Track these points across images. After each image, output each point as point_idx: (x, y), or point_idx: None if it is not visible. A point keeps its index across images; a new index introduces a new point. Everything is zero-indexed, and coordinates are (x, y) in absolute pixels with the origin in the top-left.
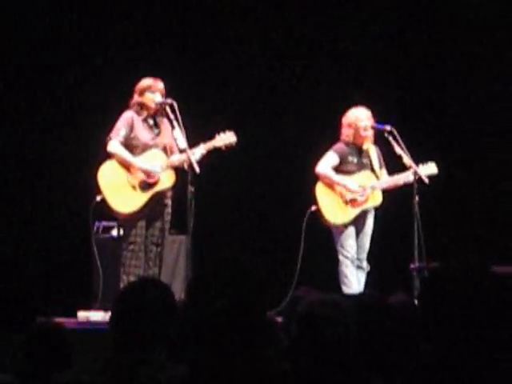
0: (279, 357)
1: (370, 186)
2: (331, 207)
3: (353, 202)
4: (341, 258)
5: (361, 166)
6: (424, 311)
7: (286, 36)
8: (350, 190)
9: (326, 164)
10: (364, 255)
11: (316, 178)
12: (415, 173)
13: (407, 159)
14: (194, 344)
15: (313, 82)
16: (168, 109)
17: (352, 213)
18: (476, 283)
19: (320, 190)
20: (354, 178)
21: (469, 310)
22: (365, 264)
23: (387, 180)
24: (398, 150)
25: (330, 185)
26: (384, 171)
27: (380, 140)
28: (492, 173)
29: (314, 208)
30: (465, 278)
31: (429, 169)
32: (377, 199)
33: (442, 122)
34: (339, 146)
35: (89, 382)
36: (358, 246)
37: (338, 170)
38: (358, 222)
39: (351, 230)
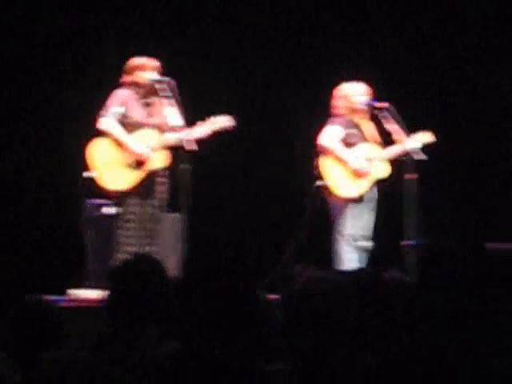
0: (274, 334)
1: (376, 156)
2: (341, 181)
3: (359, 174)
4: (337, 236)
5: (361, 138)
6: (421, 289)
7: (286, 19)
8: (350, 166)
9: (332, 136)
10: (370, 232)
11: (319, 152)
12: (405, 149)
13: (399, 135)
14: (188, 320)
15: (310, 60)
16: (161, 86)
17: (362, 184)
18: (470, 259)
19: (326, 163)
20: (356, 149)
21: (464, 286)
22: (365, 243)
23: (388, 151)
24: (387, 126)
25: (336, 157)
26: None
27: (373, 117)
28: (491, 150)
29: (318, 183)
30: (459, 255)
31: (423, 138)
32: (385, 169)
33: (443, 100)
34: (338, 119)
35: (83, 358)
36: (363, 223)
37: (342, 142)
38: (363, 197)
39: (351, 207)
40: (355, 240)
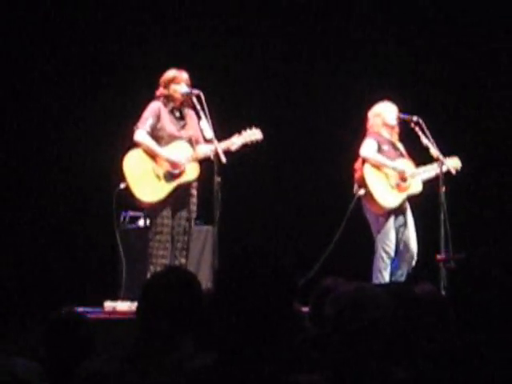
0: (306, 346)
1: (410, 172)
2: (381, 190)
3: (398, 187)
4: (381, 252)
5: (396, 154)
6: (454, 302)
7: (313, 30)
8: (399, 171)
9: (369, 148)
10: (414, 247)
11: (361, 163)
12: (442, 164)
13: (434, 150)
14: (222, 333)
15: (340, 73)
16: (194, 99)
17: (399, 197)
18: (501, 273)
19: (369, 174)
20: (397, 163)
21: (497, 300)
22: (414, 258)
23: (425, 169)
24: (424, 141)
25: (377, 168)
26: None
27: (405, 133)
28: None
29: (361, 193)
30: (491, 269)
31: (453, 162)
32: (417, 186)
33: (471, 115)
34: (372, 134)
35: (115, 370)
36: (405, 240)
37: None
38: (397, 212)
39: (392, 221)
40: (391, 257)
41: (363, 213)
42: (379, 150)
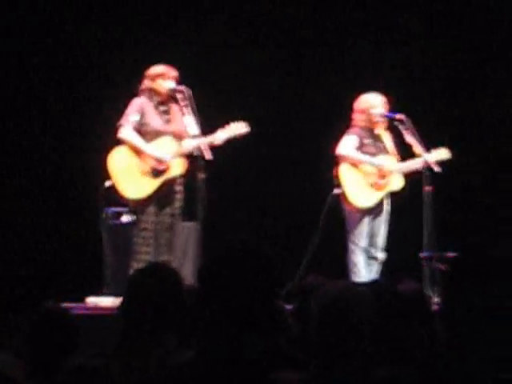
0: (289, 344)
1: (391, 169)
2: (357, 190)
3: (376, 185)
4: (350, 245)
5: (378, 150)
6: (447, 301)
7: (301, 22)
8: (378, 167)
9: (348, 146)
10: (380, 243)
11: (337, 162)
12: (425, 162)
13: (418, 148)
14: (203, 329)
15: (326, 67)
16: (181, 96)
17: (376, 196)
18: (495, 270)
19: (344, 173)
20: (377, 159)
21: (492, 298)
22: (380, 254)
23: (406, 165)
24: (408, 138)
25: (355, 166)
26: (396, 158)
27: (391, 128)
28: (506, 160)
29: (336, 192)
30: (485, 267)
31: (440, 154)
32: (398, 183)
33: (457, 110)
34: (355, 129)
35: (99, 366)
36: (374, 234)
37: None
38: (375, 207)
39: (367, 218)
40: (369, 250)
41: (340, 209)
42: (361, 145)
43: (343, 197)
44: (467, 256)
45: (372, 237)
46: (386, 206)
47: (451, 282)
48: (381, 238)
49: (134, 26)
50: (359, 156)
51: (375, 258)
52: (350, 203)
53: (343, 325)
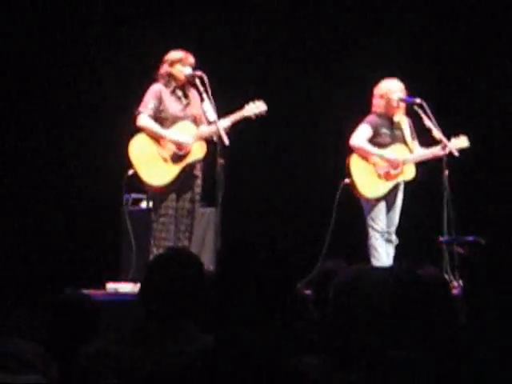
0: (309, 329)
1: (403, 159)
2: (365, 180)
3: (386, 175)
4: (371, 231)
5: (394, 139)
6: (472, 288)
7: (318, 7)
8: (387, 160)
9: (361, 136)
10: (393, 228)
11: (350, 151)
12: (445, 147)
13: (437, 133)
14: (222, 315)
15: (345, 52)
16: (197, 81)
17: (385, 186)
18: None
19: (354, 163)
20: (388, 150)
21: None
22: (394, 237)
23: (420, 154)
24: (427, 123)
25: (365, 157)
26: (416, 143)
27: (411, 113)
28: None
29: (347, 181)
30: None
31: (460, 142)
32: (410, 173)
33: (476, 96)
34: (371, 118)
35: (117, 352)
36: (388, 219)
37: (371, 142)
38: (389, 196)
39: (382, 204)
40: (383, 234)
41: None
42: (375, 133)
43: (353, 187)
44: (496, 243)
45: (388, 221)
46: (400, 196)
47: (478, 268)
48: (394, 224)
49: (149, 14)
50: (370, 148)
51: (391, 241)
52: (358, 192)
53: (358, 308)
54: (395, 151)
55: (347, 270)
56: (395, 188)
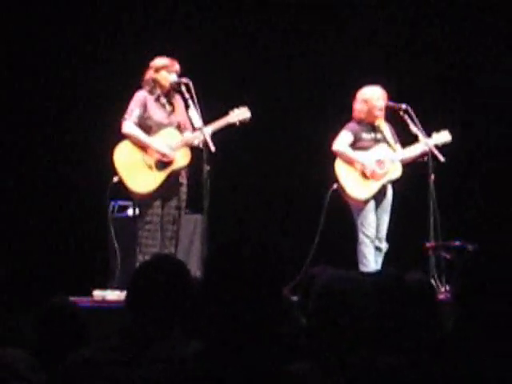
0: (295, 334)
1: (388, 158)
2: (353, 183)
3: (373, 176)
4: (361, 236)
5: (375, 141)
6: (458, 293)
7: (302, 13)
8: (366, 167)
9: (342, 142)
10: (383, 233)
11: (334, 156)
12: (429, 150)
13: (422, 137)
14: (209, 320)
15: (328, 59)
16: (183, 88)
17: (374, 186)
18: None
19: (339, 167)
20: (371, 152)
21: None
22: (384, 244)
23: (404, 151)
24: (413, 128)
25: (349, 161)
26: (398, 146)
27: (393, 119)
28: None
29: (335, 186)
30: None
31: (442, 137)
32: (396, 171)
33: (460, 99)
34: (351, 124)
35: (105, 359)
36: (377, 224)
37: (353, 147)
38: (378, 196)
39: (371, 205)
40: (373, 241)
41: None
42: (356, 138)
43: (342, 190)
44: (483, 248)
45: (376, 227)
46: (389, 196)
47: (464, 273)
48: (384, 228)
49: (134, 21)
50: (351, 154)
51: (380, 249)
52: (348, 196)
53: (338, 313)
54: (378, 152)
55: (329, 275)
56: (383, 188)
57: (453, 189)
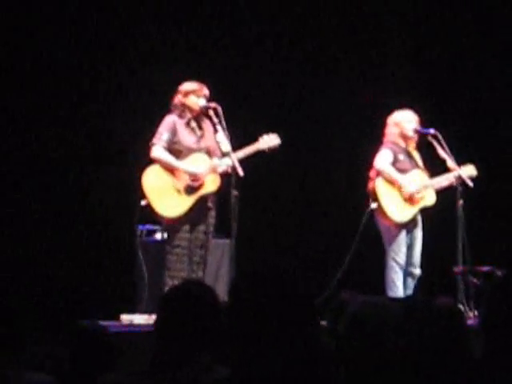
0: (325, 360)
1: (424, 184)
2: (393, 204)
3: (411, 200)
4: (391, 262)
5: (411, 165)
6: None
7: (331, 39)
8: (406, 190)
9: (384, 160)
10: (417, 259)
11: (373, 176)
12: (459, 176)
13: (451, 163)
14: (237, 346)
15: (355, 84)
16: (211, 112)
17: (411, 210)
18: None
19: (381, 186)
20: (409, 176)
21: None
22: (417, 270)
23: (437, 180)
24: (441, 153)
25: (390, 181)
26: (427, 174)
27: (422, 144)
28: None
29: (373, 206)
30: None
31: (468, 170)
32: (431, 198)
33: (484, 125)
34: (388, 144)
35: (134, 383)
36: (409, 250)
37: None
38: (409, 224)
39: (403, 234)
40: (404, 267)
41: (376, 224)
42: (395, 159)
43: (380, 211)
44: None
45: (409, 253)
46: (419, 222)
47: (493, 299)
48: (417, 254)
49: (163, 44)
50: (395, 175)
51: (413, 275)
52: (387, 218)
53: (370, 339)
54: (414, 177)
55: (360, 301)
56: (416, 216)
57: (481, 214)
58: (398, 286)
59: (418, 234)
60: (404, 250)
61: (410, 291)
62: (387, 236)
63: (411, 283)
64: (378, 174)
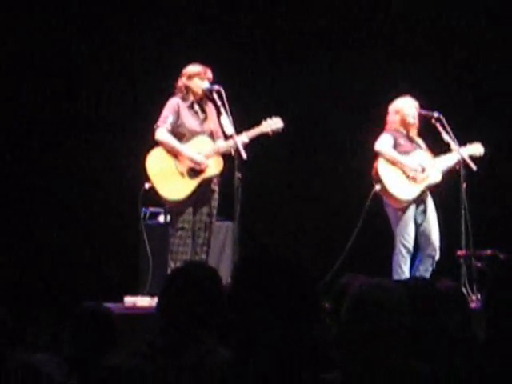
0: (327, 344)
1: (428, 163)
2: (396, 182)
3: (414, 179)
4: (399, 246)
5: (413, 147)
6: (490, 302)
7: (334, 24)
8: (408, 169)
9: (384, 142)
10: (437, 243)
11: (375, 157)
12: (463, 159)
13: (455, 146)
14: (240, 328)
15: (359, 67)
16: (215, 95)
17: (415, 190)
18: None
19: (383, 166)
20: (411, 156)
21: None
22: (437, 254)
23: (444, 158)
24: (445, 136)
25: (392, 161)
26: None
27: (425, 130)
28: None
29: (378, 188)
30: None
31: (475, 149)
32: (436, 177)
33: (492, 108)
34: (389, 130)
35: (136, 366)
36: (428, 234)
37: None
38: (418, 204)
39: (411, 213)
40: (412, 251)
41: (383, 207)
42: (396, 144)
43: (384, 192)
44: None
45: (427, 237)
46: (431, 204)
47: (496, 282)
48: (437, 238)
49: (161, 27)
50: (396, 155)
51: (434, 258)
52: (391, 197)
53: (372, 321)
54: (418, 156)
55: (362, 282)
56: (423, 194)
57: (484, 197)
58: (405, 271)
59: (431, 215)
60: (412, 234)
61: (427, 274)
62: (394, 218)
63: (430, 266)
64: (378, 156)
